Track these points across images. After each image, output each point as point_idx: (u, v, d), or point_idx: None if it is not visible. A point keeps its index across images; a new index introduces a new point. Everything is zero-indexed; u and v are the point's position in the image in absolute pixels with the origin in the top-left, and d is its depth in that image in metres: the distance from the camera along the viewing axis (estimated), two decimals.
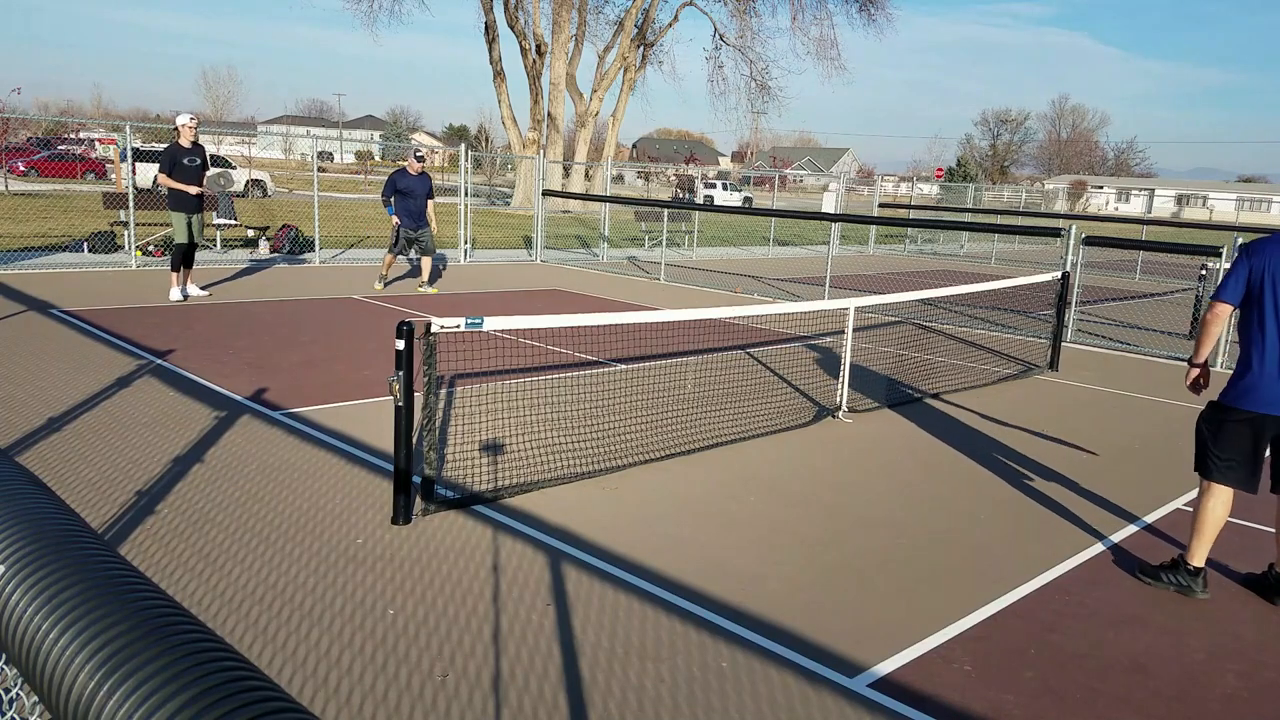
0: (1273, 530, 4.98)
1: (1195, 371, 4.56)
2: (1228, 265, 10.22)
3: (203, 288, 11.31)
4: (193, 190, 10.20)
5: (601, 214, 20.00)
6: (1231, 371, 4.37)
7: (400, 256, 12.71)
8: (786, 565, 4.38)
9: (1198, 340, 4.48)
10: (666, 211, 19.29)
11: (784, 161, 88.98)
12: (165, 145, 10.41)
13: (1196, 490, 4.53)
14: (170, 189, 10.20)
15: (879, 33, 56.19)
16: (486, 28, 33.16)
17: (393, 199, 12.20)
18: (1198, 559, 4.36)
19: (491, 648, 3.46)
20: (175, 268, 10.52)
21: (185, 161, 10.19)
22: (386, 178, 12.25)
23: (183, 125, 10.20)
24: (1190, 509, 5.46)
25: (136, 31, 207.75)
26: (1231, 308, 4.31)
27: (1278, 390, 4.13)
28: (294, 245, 16.24)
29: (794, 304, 6.80)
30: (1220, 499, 4.34)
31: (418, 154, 12.13)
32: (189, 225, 10.36)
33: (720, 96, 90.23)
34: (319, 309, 10.72)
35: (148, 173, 28.58)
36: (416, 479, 4.79)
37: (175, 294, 10.54)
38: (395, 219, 12.17)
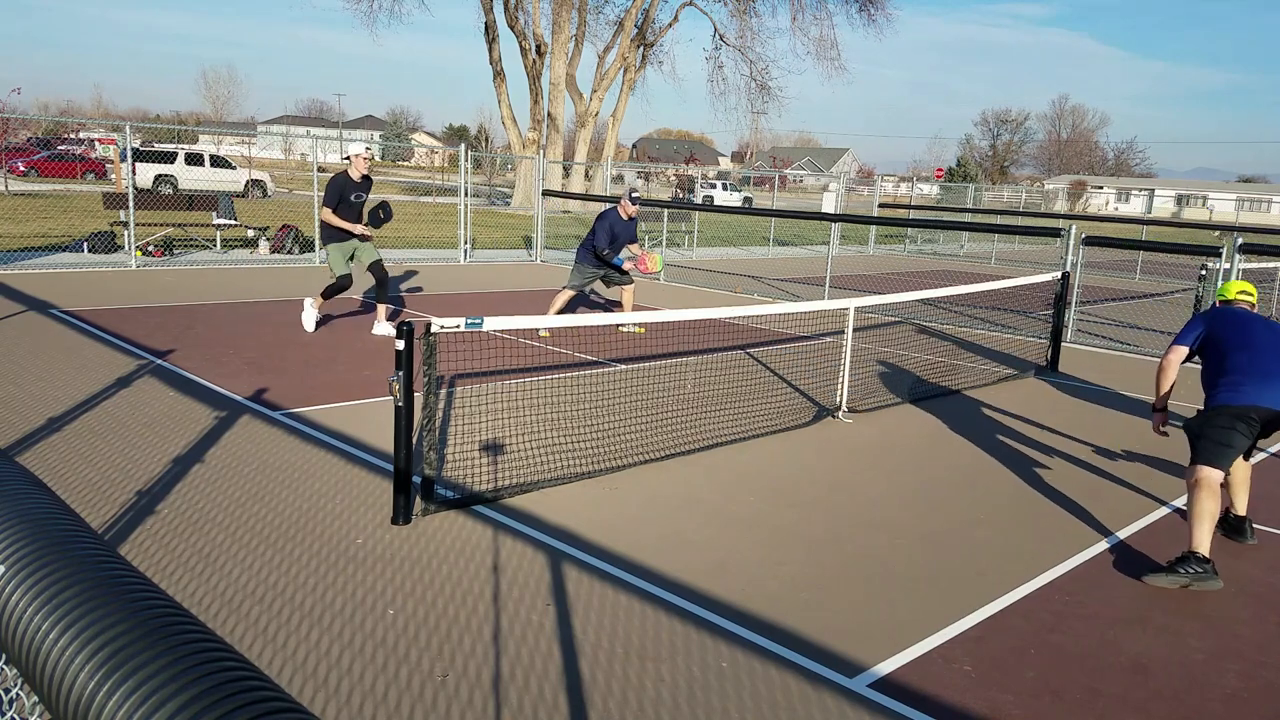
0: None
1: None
2: (1227, 265, 10.26)
3: (391, 318, 10.02)
4: (357, 230, 9.16)
5: None
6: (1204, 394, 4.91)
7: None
8: (786, 565, 4.38)
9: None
10: (666, 211, 19.28)
11: (784, 161, 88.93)
12: (331, 174, 9.10)
13: (1188, 487, 4.62)
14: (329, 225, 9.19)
15: (879, 33, 56.32)
16: (486, 28, 33.16)
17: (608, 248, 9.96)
18: (1206, 548, 4.41)
19: (491, 648, 3.46)
20: (328, 296, 9.33)
21: (353, 198, 9.09)
22: (600, 221, 9.96)
23: (357, 156, 9.04)
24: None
25: (136, 31, 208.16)
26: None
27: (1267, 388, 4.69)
28: (301, 247, 16.27)
29: (794, 304, 6.80)
30: (1216, 486, 4.54)
31: (633, 195, 10.03)
32: (347, 257, 9.31)
33: (720, 96, 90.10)
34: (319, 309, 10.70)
35: (147, 173, 28.65)
36: (416, 479, 4.79)
37: (309, 318, 9.40)
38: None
